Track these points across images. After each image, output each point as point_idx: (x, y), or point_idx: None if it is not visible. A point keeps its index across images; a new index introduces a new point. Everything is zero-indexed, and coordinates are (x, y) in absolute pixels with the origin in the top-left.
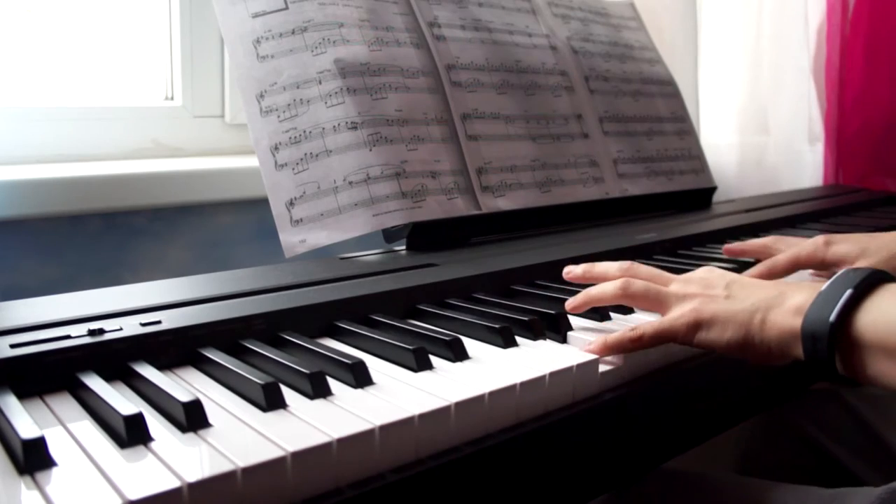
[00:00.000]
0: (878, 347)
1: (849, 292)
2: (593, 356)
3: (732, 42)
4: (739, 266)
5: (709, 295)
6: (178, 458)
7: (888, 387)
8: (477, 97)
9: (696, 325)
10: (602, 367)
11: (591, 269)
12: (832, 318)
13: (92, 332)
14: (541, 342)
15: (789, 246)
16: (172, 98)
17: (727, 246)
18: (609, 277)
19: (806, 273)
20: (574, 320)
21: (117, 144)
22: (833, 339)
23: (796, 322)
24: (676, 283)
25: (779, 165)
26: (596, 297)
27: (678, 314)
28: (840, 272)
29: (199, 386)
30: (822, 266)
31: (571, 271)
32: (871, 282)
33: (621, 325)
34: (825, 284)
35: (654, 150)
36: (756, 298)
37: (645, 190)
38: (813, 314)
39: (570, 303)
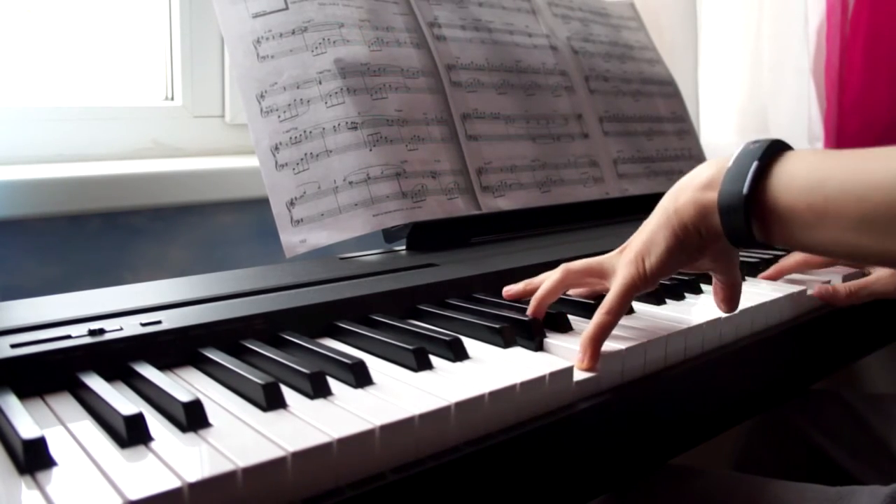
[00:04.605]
0: (793, 210)
1: (755, 164)
2: None
3: (732, 42)
4: None
5: (637, 236)
6: (179, 457)
7: (802, 249)
8: (477, 97)
9: (641, 259)
10: (602, 367)
11: (532, 282)
12: (745, 189)
13: (92, 332)
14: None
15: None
16: (172, 98)
17: (764, 274)
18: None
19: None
20: (574, 320)
21: (117, 144)
22: (748, 210)
23: (708, 196)
24: (613, 252)
25: None
26: (543, 295)
27: (623, 264)
28: (741, 148)
29: (199, 386)
30: (828, 264)
31: (511, 290)
32: (773, 150)
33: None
34: (730, 161)
35: (654, 150)
36: (665, 200)
37: (645, 190)
38: (726, 189)
39: (528, 312)
